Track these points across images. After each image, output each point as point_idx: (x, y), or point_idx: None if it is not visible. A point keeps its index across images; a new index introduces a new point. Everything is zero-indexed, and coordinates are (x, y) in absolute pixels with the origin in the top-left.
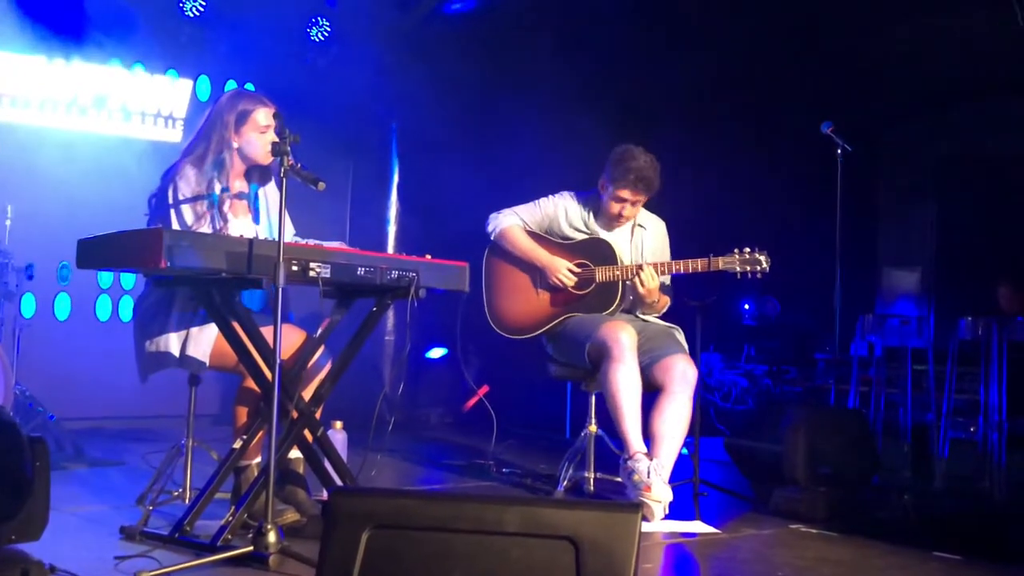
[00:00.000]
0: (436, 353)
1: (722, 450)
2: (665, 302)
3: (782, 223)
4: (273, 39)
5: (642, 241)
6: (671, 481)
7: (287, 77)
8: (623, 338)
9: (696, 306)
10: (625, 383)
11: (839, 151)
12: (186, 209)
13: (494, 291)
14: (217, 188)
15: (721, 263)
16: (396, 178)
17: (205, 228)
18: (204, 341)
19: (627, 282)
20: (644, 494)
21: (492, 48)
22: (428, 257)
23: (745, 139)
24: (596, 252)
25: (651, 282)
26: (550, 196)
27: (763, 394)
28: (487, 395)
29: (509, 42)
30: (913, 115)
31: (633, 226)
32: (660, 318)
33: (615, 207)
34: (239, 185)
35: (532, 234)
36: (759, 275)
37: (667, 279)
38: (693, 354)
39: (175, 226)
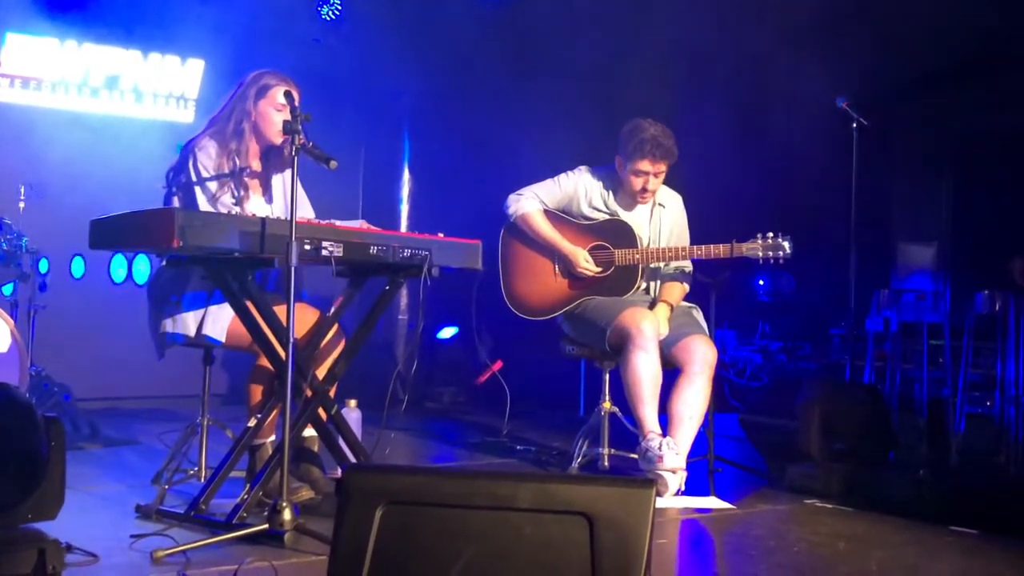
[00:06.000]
0: (447, 333)
1: (737, 426)
2: (683, 292)
3: (796, 198)
4: (284, 18)
5: (660, 221)
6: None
7: (298, 56)
8: (645, 326)
9: (710, 283)
10: (645, 371)
11: (854, 125)
12: (208, 181)
13: (511, 272)
14: (237, 163)
15: (744, 249)
16: (408, 157)
17: (227, 199)
18: (222, 319)
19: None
20: (657, 466)
21: (504, 26)
22: (441, 235)
23: (759, 113)
24: (615, 233)
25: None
26: (569, 173)
27: (778, 370)
28: (500, 370)
29: (521, 20)
30: (929, 89)
31: (653, 205)
32: None
33: (637, 182)
34: (256, 165)
35: (550, 214)
36: (781, 261)
37: (687, 264)
38: (708, 331)
39: (199, 198)
